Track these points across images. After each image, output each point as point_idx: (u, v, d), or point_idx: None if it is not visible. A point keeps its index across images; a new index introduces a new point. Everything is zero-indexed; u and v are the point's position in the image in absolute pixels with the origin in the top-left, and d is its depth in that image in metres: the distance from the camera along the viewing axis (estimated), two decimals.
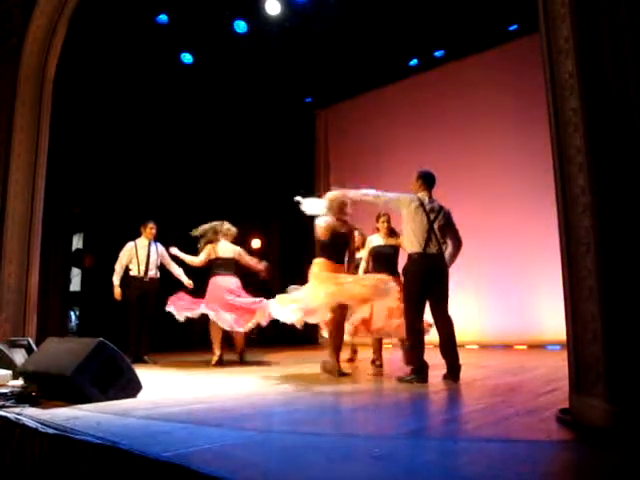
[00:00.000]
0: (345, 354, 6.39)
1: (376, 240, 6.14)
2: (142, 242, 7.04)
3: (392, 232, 6.07)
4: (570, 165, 2.58)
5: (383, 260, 5.97)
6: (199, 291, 6.76)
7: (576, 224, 2.53)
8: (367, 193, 4.95)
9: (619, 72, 2.42)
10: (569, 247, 2.60)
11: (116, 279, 6.85)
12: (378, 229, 6.16)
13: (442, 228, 4.70)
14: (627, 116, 2.39)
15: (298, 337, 7.51)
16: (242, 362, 6.57)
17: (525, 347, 8.57)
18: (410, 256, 4.68)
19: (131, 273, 6.92)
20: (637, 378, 2.28)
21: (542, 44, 2.85)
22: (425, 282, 4.59)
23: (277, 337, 10.55)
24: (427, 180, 4.83)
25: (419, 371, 4.49)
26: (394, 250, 6.02)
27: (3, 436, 2.91)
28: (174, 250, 6.87)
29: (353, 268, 5.66)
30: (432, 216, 4.67)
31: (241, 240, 12.25)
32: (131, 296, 6.83)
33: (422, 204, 4.69)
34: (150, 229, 7.02)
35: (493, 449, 2.27)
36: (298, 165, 11.90)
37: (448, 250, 4.78)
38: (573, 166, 2.56)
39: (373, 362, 6.10)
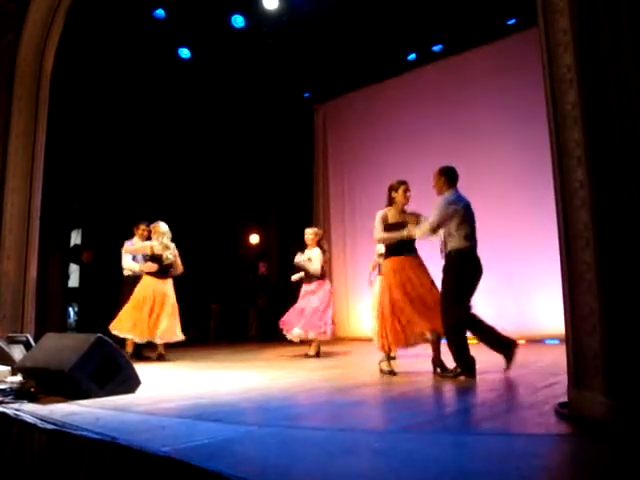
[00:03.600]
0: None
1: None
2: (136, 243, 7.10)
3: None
4: (569, 159, 2.57)
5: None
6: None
7: (575, 218, 2.53)
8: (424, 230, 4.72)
9: (618, 65, 2.41)
10: (568, 241, 2.59)
11: (136, 266, 6.90)
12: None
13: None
14: (626, 109, 2.39)
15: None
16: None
17: (524, 341, 8.56)
18: (457, 251, 4.51)
19: (130, 274, 6.98)
20: (636, 371, 2.29)
21: (540, 37, 2.84)
22: (468, 279, 4.51)
23: (277, 333, 10.59)
24: (450, 176, 4.71)
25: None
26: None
27: (2, 432, 2.91)
28: None
29: None
30: (471, 214, 4.63)
31: (239, 236, 12.32)
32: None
33: (462, 204, 4.59)
34: (142, 230, 7.08)
35: (492, 443, 2.27)
36: (297, 160, 11.90)
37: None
38: (572, 160, 2.55)
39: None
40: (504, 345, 4.54)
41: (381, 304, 4.84)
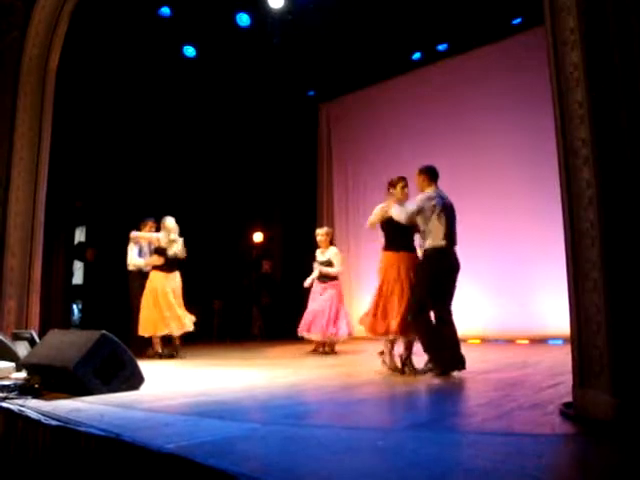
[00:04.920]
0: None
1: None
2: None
3: None
4: (575, 158, 2.56)
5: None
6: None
7: (581, 217, 2.52)
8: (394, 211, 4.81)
9: (625, 63, 2.40)
10: (574, 240, 2.59)
11: (141, 261, 6.98)
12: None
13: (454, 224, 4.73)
14: (633, 108, 2.37)
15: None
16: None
17: (527, 342, 8.56)
18: (433, 249, 4.59)
19: (135, 270, 7.04)
20: None
21: (547, 36, 2.83)
22: (444, 277, 4.56)
23: (280, 331, 10.60)
24: (430, 174, 4.78)
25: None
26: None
27: (6, 428, 2.92)
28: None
29: None
30: (450, 212, 4.67)
31: (243, 234, 12.33)
32: (139, 291, 6.86)
33: (442, 202, 4.64)
34: (150, 228, 7.09)
35: (496, 442, 2.26)
36: (301, 159, 11.89)
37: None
38: (578, 159, 2.54)
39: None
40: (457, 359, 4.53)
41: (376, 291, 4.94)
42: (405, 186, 5.00)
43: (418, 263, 4.75)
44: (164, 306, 6.42)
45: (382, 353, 4.97)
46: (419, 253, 4.86)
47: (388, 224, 4.98)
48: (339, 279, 7.19)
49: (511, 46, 9.08)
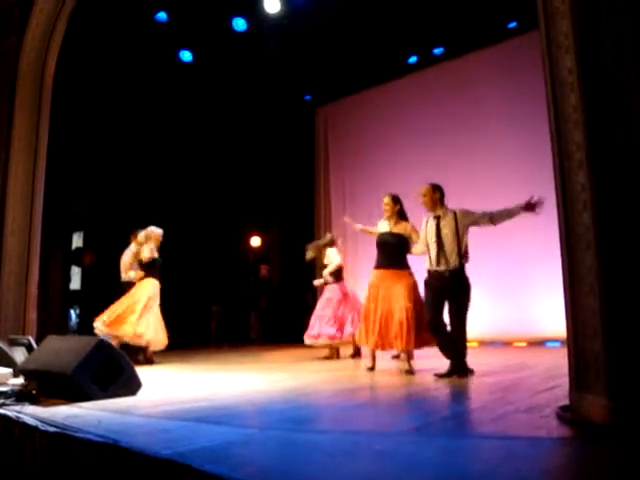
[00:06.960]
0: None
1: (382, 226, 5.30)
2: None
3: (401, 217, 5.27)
4: (570, 161, 2.57)
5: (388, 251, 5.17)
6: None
7: (576, 220, 2.53)
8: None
9: (619, 68, 2.42)
10: (569, 243, 2.59)
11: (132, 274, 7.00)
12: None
13: (453, 237, 4.66)
14: (627, 112, 2.39)
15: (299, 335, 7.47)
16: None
17: (525, 344, 8.57)
18: (464, 267, 4.73)
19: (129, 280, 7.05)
20: (637, 375, 2.28)
21: (541, 41, 2.85)
22: (437, 296, 4.62)
23: (278, 335, 10.60)
24: (443, 193, 4.83)
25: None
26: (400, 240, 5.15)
27: (3, 434, 2.91)
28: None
29: None
30: (439, 232, 4.68)
31: (241, 239, 12.33)
32: None
33: (434, 221, 4.71)
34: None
35: (493, 446, 2.27)
36: (298, 163, 11.91)
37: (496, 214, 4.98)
38: (573, 162, 2.55)
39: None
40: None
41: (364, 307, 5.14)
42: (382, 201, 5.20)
43: (459, 285, 4.72)
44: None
45: (396, 357, 5.11)
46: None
47: (378, 239, 5.15)
48: (343, 280, 7.21)
49: (506, 50, 9.13)
